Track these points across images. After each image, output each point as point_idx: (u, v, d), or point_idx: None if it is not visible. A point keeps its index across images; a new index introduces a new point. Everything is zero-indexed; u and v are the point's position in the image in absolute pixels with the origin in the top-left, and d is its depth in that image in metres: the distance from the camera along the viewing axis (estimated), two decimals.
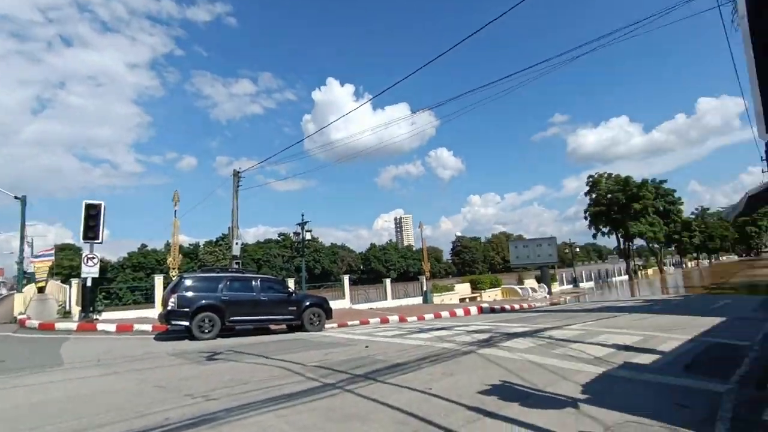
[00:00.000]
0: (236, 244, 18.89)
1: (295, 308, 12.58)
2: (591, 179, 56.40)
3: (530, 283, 33.91)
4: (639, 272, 56.30)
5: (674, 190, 57.49)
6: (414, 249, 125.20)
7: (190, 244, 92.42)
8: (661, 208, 54.71)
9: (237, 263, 18.76)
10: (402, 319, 15.84)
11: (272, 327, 13.29)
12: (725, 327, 10.06)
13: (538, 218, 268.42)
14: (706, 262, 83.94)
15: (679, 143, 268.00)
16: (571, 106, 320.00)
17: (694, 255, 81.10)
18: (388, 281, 24.81)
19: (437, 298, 25.64)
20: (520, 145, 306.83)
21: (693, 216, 79.69)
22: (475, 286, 30.74)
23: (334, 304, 17.31)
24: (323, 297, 14.71)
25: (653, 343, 7.93)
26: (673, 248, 71.48)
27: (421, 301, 24.32)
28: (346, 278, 22.93)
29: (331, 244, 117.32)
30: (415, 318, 16.11)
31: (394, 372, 6.21)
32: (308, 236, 21.34)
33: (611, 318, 12.70)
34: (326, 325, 13.35)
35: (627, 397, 4.64)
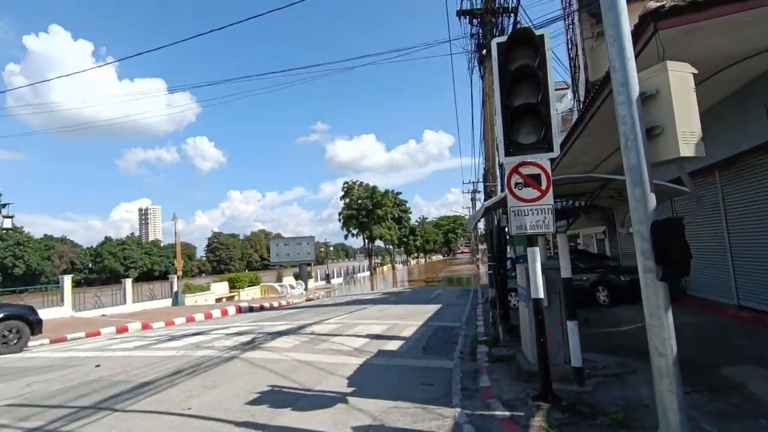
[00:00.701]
0: None
1: None
2: (346, 185, 62.67)
3: (289, 280, 34.72)
4: (378, 269, 65.63)
5: (406, 201, 70.60)
6: (162, 245, 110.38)
7: None
8: (397, 215, 65.94)
9: None
10: (146, 326, 13.53)
11: None
12: (442, 312, 12.65)
13: (296, 218, 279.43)
14: (423, 261, 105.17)
15: (410, 163, 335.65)
16: (332, 117, 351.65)
17: (416, 255, 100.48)
18: (128, 281, 20.86)
19: (190, 299, 23.19)
20: (285, 146, 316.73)
21: (417, 223, 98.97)
22: (233, 285, 29.36)
23: (48, 313, 13.71)
24: (28, 305, 11.23)
25: (397, 330, 9.22)
26: (402, 249, 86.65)
27: (171, 304, 21.51)
28: (66, 279, 18.02)
29: (45, 235, 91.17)
30: (162, 324, 14.02)
31: (140, 394, 5.13)
32: (8, 224, 15.56)
33: (361, 310, 14.18)
34: (32, 343, 10.13)
35: (385, 383, 5.15)
